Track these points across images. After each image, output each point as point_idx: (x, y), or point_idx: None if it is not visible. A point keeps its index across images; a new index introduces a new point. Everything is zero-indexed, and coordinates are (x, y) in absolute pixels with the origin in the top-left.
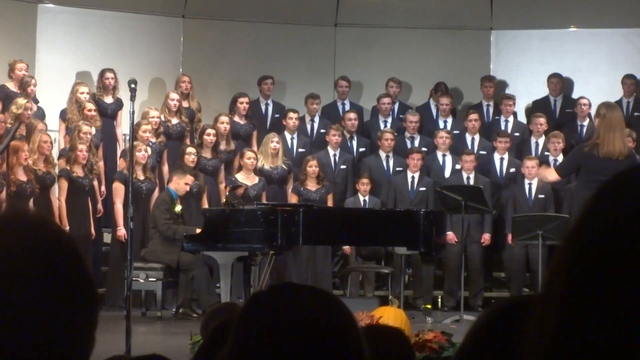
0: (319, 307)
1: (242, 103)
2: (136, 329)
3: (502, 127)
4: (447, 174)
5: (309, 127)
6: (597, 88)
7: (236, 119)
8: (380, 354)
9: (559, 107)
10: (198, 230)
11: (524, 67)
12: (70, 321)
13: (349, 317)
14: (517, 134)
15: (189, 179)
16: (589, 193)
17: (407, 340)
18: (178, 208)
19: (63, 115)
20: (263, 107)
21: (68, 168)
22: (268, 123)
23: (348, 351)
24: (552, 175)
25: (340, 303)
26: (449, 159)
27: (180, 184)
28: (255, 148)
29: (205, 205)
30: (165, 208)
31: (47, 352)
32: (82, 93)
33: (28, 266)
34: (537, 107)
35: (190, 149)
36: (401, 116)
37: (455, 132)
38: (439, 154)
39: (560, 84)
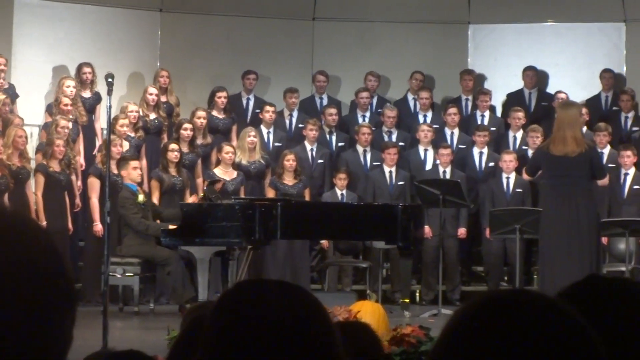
0: (289, 303)
1: (220, 97)
2: (113, 324)
3: (479, 122)
4: (428, 168)
5: (287, 121)
6: (574, 82)
7: (214, 113)
8: (347, 349)
9: (534, 100)
10: (172, 226)
11: (502, 61)
12: (48, 318)
13: (320, 312)
14: (493, 129)
15: (134, 164)
16: (550, 189)
17: (374, 334)
18: (141, 197)
19: (50, 109)
20: (244, 102)
21: (45, 163)
22: (248, 117)
23: (320, 347)
24: (524, 175)
25: (312, 298)
26: (430, 153)
27: (131, 173)
28: (234, 142)
29: (188, 200)
30: (130, 204)
31: (25, 348)
32: (68, 87)
33: (6, 262)
34: (512, 100)
35: (173, 146)
36: (379, 110)
37: (435, 126)
38: (421, 148)
39: (536, 77)
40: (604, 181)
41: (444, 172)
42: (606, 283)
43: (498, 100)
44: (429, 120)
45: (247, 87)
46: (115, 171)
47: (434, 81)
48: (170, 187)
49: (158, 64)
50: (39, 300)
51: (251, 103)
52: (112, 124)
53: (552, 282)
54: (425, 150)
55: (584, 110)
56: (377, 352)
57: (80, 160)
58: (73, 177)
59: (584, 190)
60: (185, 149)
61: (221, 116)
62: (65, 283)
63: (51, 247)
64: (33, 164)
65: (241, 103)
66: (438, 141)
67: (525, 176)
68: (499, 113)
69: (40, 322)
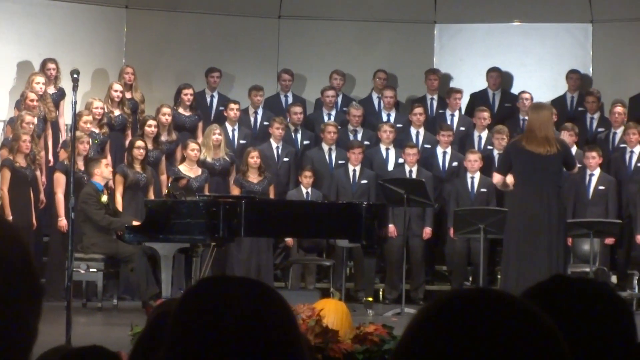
0: (252, 300)
1: (186, 95)
2: (76, 319)
3: (448, 121)
4: (390, 167)
5: (252, 119)
6: (541, 82)
7: (181, 110)
8: None
9: (498, 101)
10: (135, 223)
11: (468, 61)
12: (14, 312)
13: (284, 309)
14: (462, 128)
15: (105, 161)
16: (522, 186)
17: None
18: (104, 198)
19: (18, 105)
20: (208, 99)
21: (11, 158)
22: (212, 115)
23: (283, 343)
24: (494, 177)
25: (275, 294)
26: (392, 152)
27: (104, 172)
28: (200, 140)
29: (151, 197)
30: (93, 201)
31: None
32: (38, 83)
33: None
34: (475, 101)
35: (140, 143)
36: (345, 109)
37: (398, 125)
38: (382, 147)
39: (500, 78)
40: (574, 170)
41: (410, 171)
42: (571, 283)
43: (465, 100)
44: (392, 119)
45: (211, 85)
46: (82, 168)
47: (398, 80)
48: (134, 183)
49: (123, 61)
50: (5, 295)
51: (215, 100)
52: (76, 120)
53: (517, 279)
54: (387, 149)
55: (554, 111)
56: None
57: (49, 156)
58: (37, 173)
59: (555, 187)
60: (149, 146)
61: (187, 113)
62: (32, 278)
63: (18, 242)
64: None
65: (205, 100)
66: (404, 140)
67: (496, 178)
68: (463, 112)
69: (5, 316)
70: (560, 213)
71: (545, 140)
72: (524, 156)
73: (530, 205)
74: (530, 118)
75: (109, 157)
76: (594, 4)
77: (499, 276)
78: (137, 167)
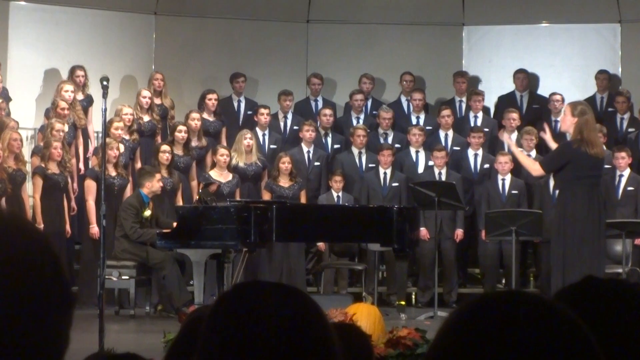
0: (286, 305)
1: (210, 100)
2: (109, 327)
3: (472, 123)
4: (421, 170)
5: (282, 123)
6: (570, 83)
7: (205, 115)
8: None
9: (526, 102)
10: (165, 230)
11: (496, 62)
12: (45, 320)
13: (318, 315)
14: (486, 130)
15: (158, 176)
16: (582, 189)
17: (365, 336)
18: (147, 213)
19: (48, 113)
20: (235, 104)
21: (42, 165)
22: (240, 120)
23: (317, 348)
24: (536, 170)
25: (309, 300)
26: (422, 155)
27: (154, 186)
28: (224, 144)
29: (180, 202)
30: (132, 213)
31: (22, 351)
32: (67, 91)
33: (3, 264)
34: (503, 103)
35: (165, 147)
36: (374, 112)
37: (427, 127)
38: (412, 150)
39: (527, 79)
40: None
41: (440, 173)
42: (603, 284)
43: (493, 102)
44: (422, 121)
45: (237, 90)
46: (113, 173)
47: (427, 83)
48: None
49: (153, 67)
50: (36, 303)
51: (242, 105)
52: (106, 127)
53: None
54: (417, 152)
55: None
56: (368, 354)
57: (80, 164)
58: (69, 180)
59: (601, 189)
60: (179, 152)
61: (211, 119)
62: (62, 286)
63: (48, 249)
64: (28, 167)
65: (232, 106)
66: (432, 143)
67: (538, 171)
68: (492, 115)
69: (37, 324)
70: (605, 214)
71: (597, 142)
72: (586, 161)
73: (595, 209)
74: (589, 119)
75: (137, 164)
76: (622, 4)
77: (531, 278)
78: (164, 172)
